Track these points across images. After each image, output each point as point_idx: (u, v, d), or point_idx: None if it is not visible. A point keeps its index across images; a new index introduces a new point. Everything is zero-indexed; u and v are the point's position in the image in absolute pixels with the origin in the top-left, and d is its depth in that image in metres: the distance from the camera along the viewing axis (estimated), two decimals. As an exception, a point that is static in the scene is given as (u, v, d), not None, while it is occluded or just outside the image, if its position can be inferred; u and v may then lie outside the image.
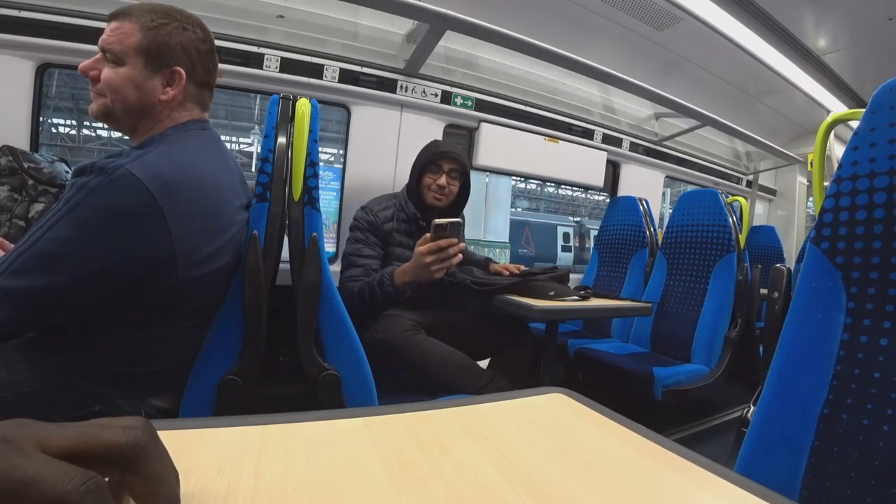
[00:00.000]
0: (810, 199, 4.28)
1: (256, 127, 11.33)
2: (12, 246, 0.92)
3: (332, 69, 2.04)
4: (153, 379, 0.93)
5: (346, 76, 2.07)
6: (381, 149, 2.18)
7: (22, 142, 1.73)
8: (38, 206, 1.59)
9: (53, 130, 10.56)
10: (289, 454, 0.36)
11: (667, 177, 3.43)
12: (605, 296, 1.77)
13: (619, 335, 2.41)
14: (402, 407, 0.47)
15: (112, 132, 10.61)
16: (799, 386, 0.63)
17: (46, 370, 0.86)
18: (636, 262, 2.52)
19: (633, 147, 3.08)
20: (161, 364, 0.93)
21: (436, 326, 1.44)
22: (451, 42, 2.30)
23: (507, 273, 1.70)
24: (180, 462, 0.34)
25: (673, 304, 2.18)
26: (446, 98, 2.29)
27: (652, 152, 3.22)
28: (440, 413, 0.47)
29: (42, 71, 1.79)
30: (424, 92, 2.24)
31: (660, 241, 2.46)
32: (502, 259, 3.23)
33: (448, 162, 1.60)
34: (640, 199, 2.66)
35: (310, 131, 1.03)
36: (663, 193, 3.68)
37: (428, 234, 1.25)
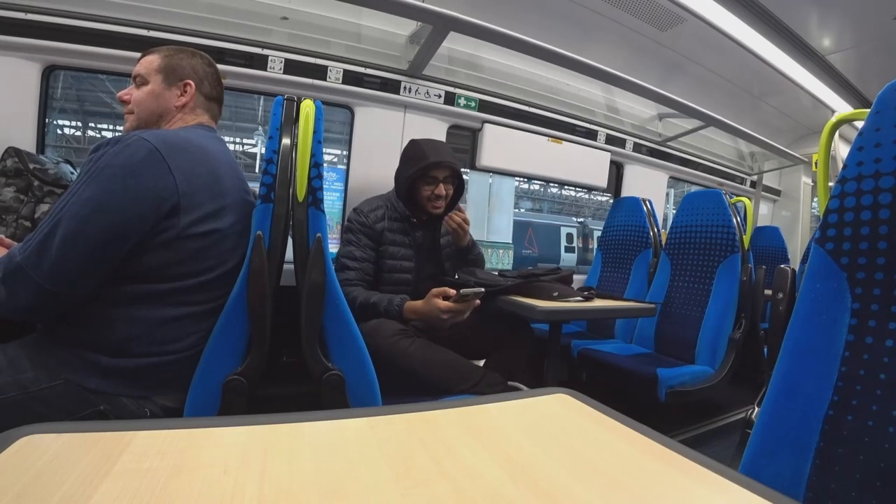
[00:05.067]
0: (815, 199, 4.26)
1: (260, 128, 11.35)
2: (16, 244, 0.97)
3: (335, 70, 2.05)
4: (158, 374, 0.95)
5: (349, 77, 2.07)
6: (384, 150, 2.18)
7: (28, 143, 1.74)
8: (44, 207, 1.59)
9: (59, 132, 10.61)
10: (294, 454, 0.36)
11: (670, 177, 3.43)
12: (609, 296, 1.77)
13: (622, 336, 2.41)
14: (406, 407, 0.48)
15: (116, 134, 10.70)
16: (803, 387, 0.63)
17: (52, 369, 0.89)
18: (640, 262, 2.51)
19: (637, 148, 3.08)
20: (165, 355, 0.95)
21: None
22: (455, 43, 2.30)
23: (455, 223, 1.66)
24: (187, 460, 0.34)
25: (677, 304, 2.17)
26: (450, 99, 2.30)
27: (655, 153, 3.22)
28: (444, 413, 0.47)
29: (48, 73, 1.80)
30: (428, 93, 2.24)
31: (663, 242, 2.45)
32: (505, 260, 3.21)
33: (441, 171, 1.59)
34: (644, 200, 2.65)
35: (314, 132, 1.03)
36: (667, 194, 3.67)
37: (447, 289, 1.37)
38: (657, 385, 1.73)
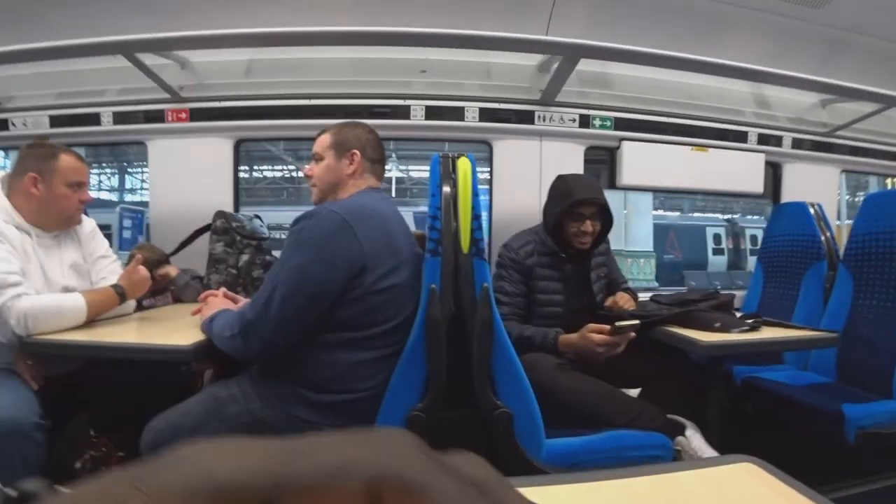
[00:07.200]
0: None
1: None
2: (242, 299, 1.31)
3: (472, 110, 2.18)
4: (353, 408, 1.13)
5: (485, 114, 2.20)
6: (524, 179, 2.24)
7: (228, 205, 2.14)
8: (245, 257, 1.95)
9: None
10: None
11: (843, 171, 2.96)
12: (778, 323, 1.57)
13: (794, 361, 2.10)
14: (601, 474, 0.52)
15: (274, 174, 13.01)
16: None
17: (272, 401, 1.13)
18: (811, 277, 2.18)
19: (797, 143, 2.73)
20: (357, 392, 1.13)
21: None
22: (584, 64, 2.29)
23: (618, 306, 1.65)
24: None
25: (864, 326, 1.83)
26: (584, 121, 2.29)
27: (821, 146, 2.80)
28: (636, 481, 0.51)
29: (238, 145, 2.20)
30: (562, 119, 2.26)
31: (840, 252, 2.13)
32: (647, 270, 3.07)
33: (588, 207, 1.59)
34: (811, 204, 2.32)
35: (472, 186, 1.13)
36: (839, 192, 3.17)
37: (602, 326, 1.39)
38: (843, 424, 1.48)
